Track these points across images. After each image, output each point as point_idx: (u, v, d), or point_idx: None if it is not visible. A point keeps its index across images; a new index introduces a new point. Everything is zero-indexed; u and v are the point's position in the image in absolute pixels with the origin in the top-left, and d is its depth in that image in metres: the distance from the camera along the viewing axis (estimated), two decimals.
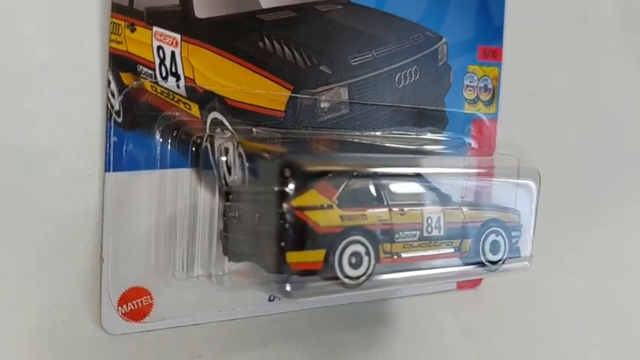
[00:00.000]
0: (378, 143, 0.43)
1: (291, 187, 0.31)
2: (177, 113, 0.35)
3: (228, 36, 0.36)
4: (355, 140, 0.42)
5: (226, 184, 0.35)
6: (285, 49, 0.38)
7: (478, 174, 0.41)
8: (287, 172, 0.31)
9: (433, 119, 0.46)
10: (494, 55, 0.50)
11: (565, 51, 0.54)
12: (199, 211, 0.35)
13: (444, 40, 0.46)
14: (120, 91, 0.33)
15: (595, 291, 0.54)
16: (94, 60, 0.32)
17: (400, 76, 0.44)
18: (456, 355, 0.44)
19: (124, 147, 0.33)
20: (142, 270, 0.35)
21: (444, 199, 0.37)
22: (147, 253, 0.35)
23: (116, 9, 0.33)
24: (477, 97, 0.49)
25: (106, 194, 0.33)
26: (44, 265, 0.32)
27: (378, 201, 0.34)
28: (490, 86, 0.50)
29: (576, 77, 0.55)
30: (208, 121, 0.36)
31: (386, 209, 0.34)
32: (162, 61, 0.34)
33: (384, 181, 0.35)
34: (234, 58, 0.37)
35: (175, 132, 0.35)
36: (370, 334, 0.41)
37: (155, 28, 0.34)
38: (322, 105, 0.40)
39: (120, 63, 0.33)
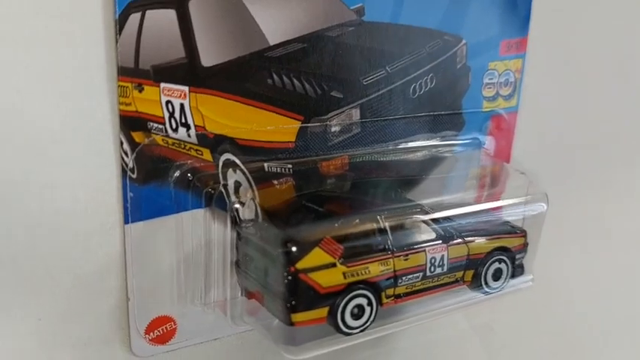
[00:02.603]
0: (386, 159, 0.43)
1: (293, 256, 0.33)
2: (189, 161, 0.36)
3: (236, 79, 0.36)
4: (365, 159, 0.42)
5: (240, 221, 0.37)
6: (295, 81, 0.38)
7: (489, 199, 0.42)
8: (289, 245, 0.32)
9: (449, 123, 0.46)
10: (517, 47, 0.48)
11: (594, 36, 0.51)
12: (214, 247, 0.38)
13: (463, 41, 0.45)
14: (132, 150, 0.34)
15: (609, 265, 0.56)
16: (105, 124, 0.33)
17: (415, 86, 0.43)
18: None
19: (140, 200, 0.35)
20: (165, 301, 0.38)
21: (448, 236, 0.38)
22: (169, 286, 0.38)
23: (122, 72, 0.33)
24: (497, 93, 0.48)
25: (127, 242, 0.36)
26: (76, 307, 0.36)
27: (383, 250, 0.36)
28: (512, 79, 0.48)
29: (603, 62, 0.52)
30: (220, 163, 0.37)
31: (390, 257, 0.36)
32: (171, 115, 0.35)
33: (388, 229, 0.36)
34: (244, 100, 0.37)
35: (189, 177, 0.36)
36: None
37: (163, 84, 0.34)
38: (333, 129, 0.41)
39: (130, 123, 0.34)
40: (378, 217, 0.36)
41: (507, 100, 0.49)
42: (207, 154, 0.37)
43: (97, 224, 0.35)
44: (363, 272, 0.35)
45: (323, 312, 0.34)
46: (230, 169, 0.38)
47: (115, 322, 0.37)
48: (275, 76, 0.37)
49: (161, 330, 0.39)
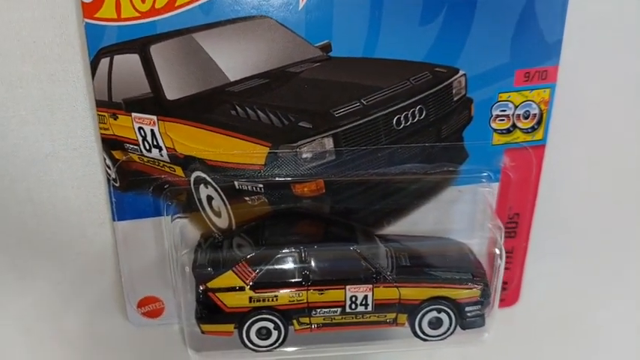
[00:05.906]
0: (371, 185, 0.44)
1: (205, 275, 0.38)
2: (163, 176, 0.43)
3: (199, 110, 0.41)
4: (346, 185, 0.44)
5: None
6: (260, 113, 0.42)
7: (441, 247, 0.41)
8: (196, 270, 0.38)
9: (446, 155, 0.44)
10: (543, 77, 0.43)
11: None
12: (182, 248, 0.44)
13: (460, 73, 0.42)
14: (113, 164, 0.42)
15: None
16: (90, 144, 0.42)
17: (400, 117, 0.43)
18: None
19: (124, 204, 0.43)
20: (152, 285, 0.46)
21: (378, 277, 0.39)
22: (154, 274, 0.46)
23: (99, 104, 0.40)
24: (514, 125, 0.44)
25: (117, 235, 0.44)
26: (83, 279, 0.46)
27: (298, 282, 0.38)
28: (535, 111, 0.44)
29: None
30: (192, 179, 0.43)
31: (304, 290, 0.38)
32: (144, 138, 0.42)
33: (311, 263, 0.38)
34: (209, 127, 0.42)
35: (164, 189, 0.43)
36: None
37: (134, 114, 0.41)
38: (304, 155, 0.43)
39: (110, 144, 0.42)
40: (302, 249, 0.39)
41: (529, 134, 0.45)
42: (179, 171, 0.43)
43: (92, 219, 0.44)
44: (271, 299, 0.38)
45: (230, 327, 0.39)
46: (202, 185, 0.43)
47: (113, 296, 0.47)
48: (238, 108, 0.41)
49: (151, 307, 0.47)
